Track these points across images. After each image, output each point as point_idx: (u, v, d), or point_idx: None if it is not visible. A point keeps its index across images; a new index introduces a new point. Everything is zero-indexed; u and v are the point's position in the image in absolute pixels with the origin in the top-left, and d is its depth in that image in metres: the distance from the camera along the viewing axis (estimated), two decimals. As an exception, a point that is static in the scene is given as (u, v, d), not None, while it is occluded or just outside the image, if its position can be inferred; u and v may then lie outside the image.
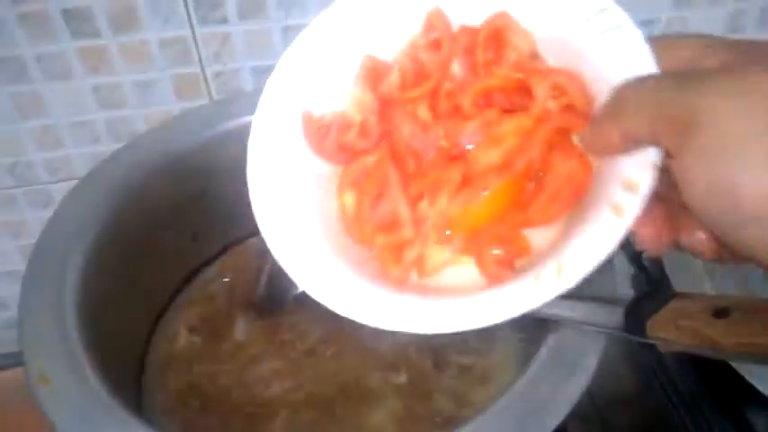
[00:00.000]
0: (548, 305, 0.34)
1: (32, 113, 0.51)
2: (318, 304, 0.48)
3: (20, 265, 0.59)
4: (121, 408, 0.31)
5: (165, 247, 0.46)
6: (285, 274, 0.48)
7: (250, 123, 0.46)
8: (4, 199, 0.55)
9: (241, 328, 0.47)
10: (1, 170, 0.53)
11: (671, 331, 0.30)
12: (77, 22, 0.47)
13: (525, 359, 0.35)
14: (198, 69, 0.52)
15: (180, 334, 0.46)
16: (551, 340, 0.34)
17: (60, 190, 0.55)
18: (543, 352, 0.34)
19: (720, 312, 0.29)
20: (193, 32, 0.50)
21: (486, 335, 0.45)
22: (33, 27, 0.47)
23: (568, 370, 0.33)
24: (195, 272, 0.50)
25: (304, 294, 0.47)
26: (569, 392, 0.32)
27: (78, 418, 0.31)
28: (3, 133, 0.52)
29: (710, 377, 0.51)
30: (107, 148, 0.53)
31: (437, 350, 0.45)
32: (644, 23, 0.59)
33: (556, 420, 0.31)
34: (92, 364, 0.33)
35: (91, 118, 0.52)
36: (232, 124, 0.46)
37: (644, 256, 0.58)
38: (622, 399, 0.52)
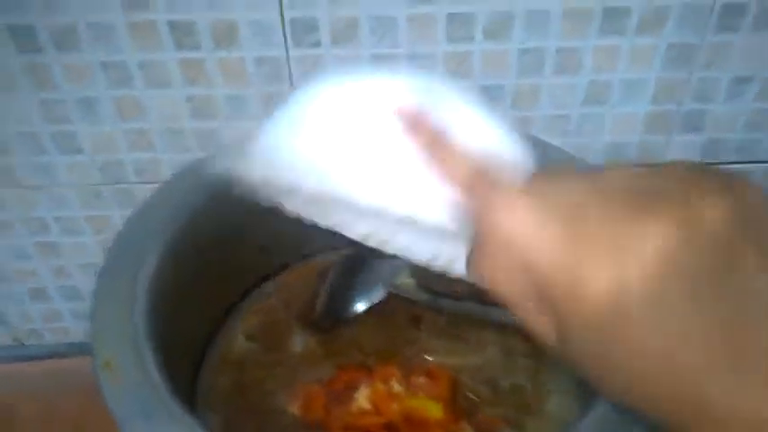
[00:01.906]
0: None
1: (130, 116, 0.54)
2: (375, 321, 0.49)
3: (98, 258, 0.61)
4: (175, 400, 0.32)
5: (234, 256, 0.48)
6: (344, 293, 0.50)
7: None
8: (91, 194, 0.58)
9: (297, 340, 0.47)
10: (93, 167, 0.57)
11: None
12: (181, 33, 0.50)
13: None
14: (287, 88, 0.54)
15: (237, 339, 0.47)
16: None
17: (144, 191, 0.57)
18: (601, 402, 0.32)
19: None
20: (287, 53, 0.52)
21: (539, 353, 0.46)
22: (140, 35, 0.50)
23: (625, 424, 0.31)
24: (259, 283, 0.51)
25: (362, 313, 0.48)
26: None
27: (135, 404, 0.31)
28: (101, 133, 0.55)
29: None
30: (193, 156, 0.55)
31: (491, 379, 0.45)
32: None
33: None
34: (154, 357, 0.34)
35: (183, 126, 0.55)
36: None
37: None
38: None
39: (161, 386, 0.32)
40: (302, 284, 0.51)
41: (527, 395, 0.45)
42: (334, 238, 0.54)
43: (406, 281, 0.49)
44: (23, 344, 0.69)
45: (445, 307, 0.48)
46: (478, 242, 0.25)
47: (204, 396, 0.44)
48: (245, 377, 0.45)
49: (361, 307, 0.48)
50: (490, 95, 0.56)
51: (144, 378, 0.32)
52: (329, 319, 0.48)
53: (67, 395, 0.60)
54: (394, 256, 0.52)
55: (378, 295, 0.49)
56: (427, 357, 0.47)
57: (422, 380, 0.45)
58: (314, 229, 0.52)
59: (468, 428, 0.43)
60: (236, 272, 0.49)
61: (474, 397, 0.45)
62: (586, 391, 0.42)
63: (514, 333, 0.48)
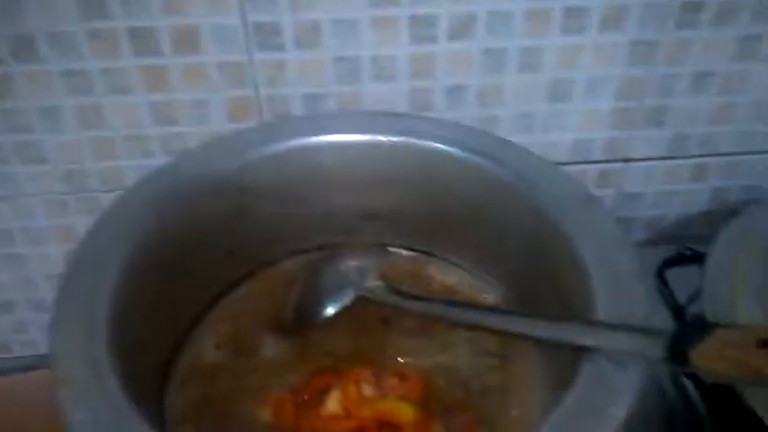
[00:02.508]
0: (584, 335, 0.34)
1: (93, 124, 0.53)
2: (346, 324, 0.49)
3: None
4: (137, 416, 0.31)
5: (200, 263, 0.47)
6: (313, 297, 0.49)
7: (294, 147, 0.48)
8: (56, 204, 0.57)
9: (267, 347, 0.47)
10: (56, 176, 0.56)
11: (715, 361, 0.30)
12: (140, 40, 0.50)
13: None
14: (252, 93, 0.53)
15: (206, 348, 0.47)
16: (583, 379, 0.33)
17: (109, 199, 0.56)
18: (572, 394, 0.33)
19: (765, 343, 0.30)
20: (250, 58, 0.52)
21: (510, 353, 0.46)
22: (100, 43, 0.50)
23: (598, 416, 0.31)
24: (227, 289, 0.50)
25: (332, 317, 0.48)
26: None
27: (94, 422, 0.31)
28: (64, 142, 0.54)
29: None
30: (158, 162, 0.54)
31: (464, 379, 0.45)
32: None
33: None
34: (115, 370, 0.34)
35: (146, 133, 0.54)
36: (276, 147, 0.47)
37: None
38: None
39: (121, 402, 0.32)
40: (270, 291, 0.51)
41: (498, 395, 0.45)
42: (302, 242, 0.54)
43: (375, 284, 0.49)
44: (-8, 357, 0.68)
45: (414, 309, 0.48)
46: None
47: (173, 408, 0.43)
48: (215, 387, 0.45)
49: (330, 310, 0.48)
50: (455, 96, 0.56)
51: (103, 394, 0.32)
52: (299, 324, 0.48)
53: (37, 408, 0.59)
54: (361, 260, 0.52)
55: (347, 299, 0.49)
56: (398, 359, 0.47)
57: (393, 381, 0.45)
58: (281, 233, 0.52)
59: (440, 430, 0.43)
60: (202, 279, 0.48)
61: (447, 398, 0.45)
62: (556, 389, 0.43)
63: (485, 333, 0.49)
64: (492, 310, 0.50)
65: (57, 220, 0.58)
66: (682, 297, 0.61)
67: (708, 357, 0.30)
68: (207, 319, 0.49)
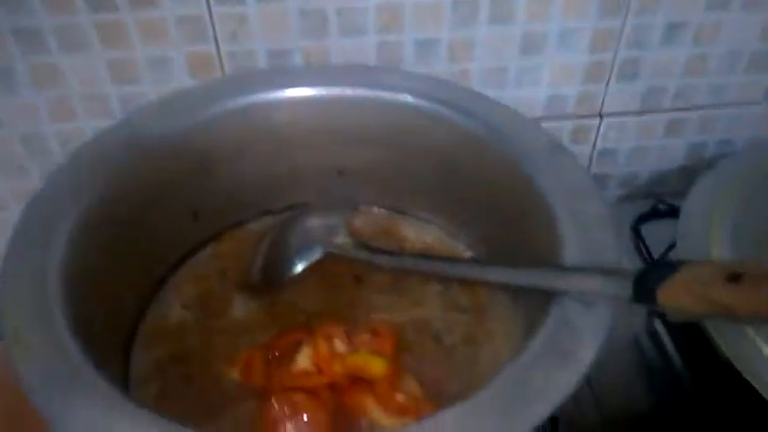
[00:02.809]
0: (552, 279, 0.33)
1: (48, 84, 0.51)
2: (317, 282, 0.48)
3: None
4: (92, 370, 0.30)
5: (164, 224, 0.46)
6: (281, 255, 0.48)
7: (255, 102, 0.47)
8: (15, 169, 0.55)
9: (236, 307, 0.46)
10: (14, 141, 0.54)
11: (683, 298, 0.30)
12: (96, -6, 0.48)
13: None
14: (213, 48, 0.51)
15: (173, 309, 0.46)
16: (550, 322, 0.32)
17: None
18: (540, 336, 0.32)
19: (734, 277, 0.29)
20: (210, 11, 0.50)
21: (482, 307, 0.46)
22: (53, -2, 0.47)
23: (564, 358, 0.31)
24: (193, 251, 0.49)
25: (302, 274, 0.47)
26: (563, 383, 0.30)
27: (47, 377, 0.30)
28: (19, 103, 0.52)
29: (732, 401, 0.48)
30: (119, 123, 0.53)
31: (436, 333, 0.45)
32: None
33: (546, 409, 0.29)
34: (67, 326, 0.32)
35: (105, 92, 0.52)
36: (237, 101, 0.46)
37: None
38: (621, 385, 0.49)
39: (75, 355, 0.31)
40: (238, 251, 0.49)
41: (469, 348, 0.45)
42: (269, 203, 0.53)
43: (343, 240, 0.48)
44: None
45: (384, 264, 0.47)
46: None
47: (138, 368, 0.42)
48: (183, 346, 0.44)
49: (299, 268, 0.47)
50: (425, 50, 0.55)
51: (55, 348, 0.31)
52: (267, 283, 0.47)
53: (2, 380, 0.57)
54: (330, 217, 0.51)
55: (315, 255, 0.48)
56: (371, 316, 0.46)
57: (365, 337, 0.44)
58: (247, 193, 0.51)
59: (413, 383, 0.42)
60: (167, 240, 0.47)
61: (418, 351, 0.44)
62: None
63: (457, 287, 0.48)
64: (462, 261, 0.49)
65: (16, 185, 0.56)
66: (657, 252, 0.61)
67: (676, 295, 0.30)
68: (173, 281, 0.47)
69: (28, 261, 0.35)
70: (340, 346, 0.44)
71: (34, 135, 0.54)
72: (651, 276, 0.31)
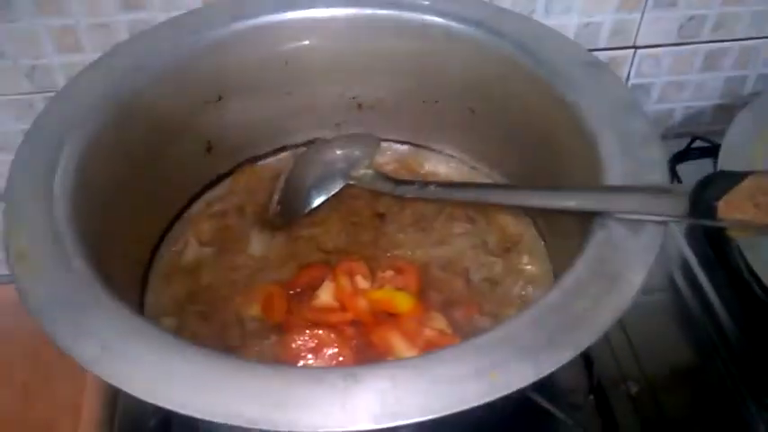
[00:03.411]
0: (596, 199, 0.30)
1: (51, 11, 0.48)
2: (338, 219, 0.45)
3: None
4: (103, 288, 0.28)
5: (176, 155, 0.43)
6: (300, 188, 0.46)
7: (267, 24, 0.43)
8: (23, 105, 0.53)
9: (255, 243, 0.44)
10: (19, 74, 0.51)
11: (748, 210, 0.27)
12: None
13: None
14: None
15: (189, 245, 0.44)
16: (595, 244, 0.30)
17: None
18: (585, 260, 0.29)
19: None
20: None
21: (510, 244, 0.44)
22: None
23: (611, 283, 0.28)
24: (208, 187, 0.47)
25: (316, 209, 0.45)
26: (608, 310, 0.28)
27: (53, 294, 0.28)
28: (22, 30, 0.49)
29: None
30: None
31: (463, 271, 0.43)
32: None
33: (588, 340, 0.27)
34: (76, 247, 0.30)
35: (112, 20, 0.49)
36: (244, 24, 0.43)
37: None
38: (667, 353, 0.47)
39: (84, 273, 0.29)
40: (254, 187, 0.47)
41: (501, 287, 0.43)
42: (286, 137, 0.50)
43: (365, 172, 0.46)
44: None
45: (407, 194, 0.44)
46: None
47: (155, 304, 0.40)
48: (200, 283, 0.42)
49: (317, 200, 0.45)
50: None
51: (64, 266, 0.29)
52: (285, 217, 0.45)
53: (19, 323, 0.56)
54: (351, 149, 0.48)
55: (334, 188, 0.45)
56: (394, 253, 0.44)
57: (389, 274, 0.42)
58: (262, 126, 0.48)
59: (440, 319, 0.40)
60: (180, 173, 0.44)
61: (446, 289, 0.42)
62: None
63: (484, 224, 0.46)
64: (495, 186, 0.46)
65: (24, 123, 0.54)
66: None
67: (738, 206, 0.27)
68: (188, 216, 0.45)
69: (33, 186, 0.33)
70: (362, 282, 0.42)
71: (40, 68, 0.51)
72: (712, 188, 0.28)
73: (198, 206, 0.46)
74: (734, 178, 0.28)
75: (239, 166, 0.48)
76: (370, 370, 0.25)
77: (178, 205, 0.45)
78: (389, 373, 0.25)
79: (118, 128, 0.38)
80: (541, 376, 0.25)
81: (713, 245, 0.52)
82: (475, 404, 0.24)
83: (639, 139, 0.35)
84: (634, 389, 0.44)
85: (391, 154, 0.51)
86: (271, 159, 0.49)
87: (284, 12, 0.43)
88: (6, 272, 0.56)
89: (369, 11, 0.44)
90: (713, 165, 0.58)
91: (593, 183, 0.35)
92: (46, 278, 0.28)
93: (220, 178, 0.47)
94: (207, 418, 0.23)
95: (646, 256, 0.29)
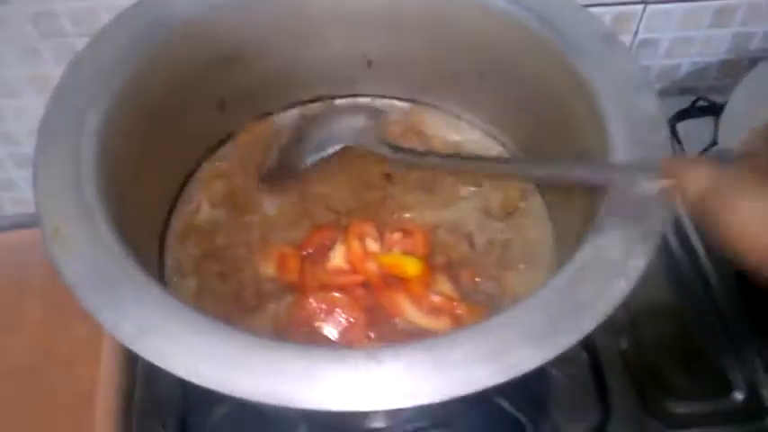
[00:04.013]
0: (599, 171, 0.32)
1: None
2: (346, 179, 0.46)
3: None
4: (135, 265, 0.30)
5: (191, 114, 0.44)
6: (297, 148, 0.47)
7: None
8: (27, 51, 0.52)
9: (265, 204, 0.45)
10: (23, 20, 0.50)
11: None
12: None
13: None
14: None
15: (202, 207, 0.45)
16: (598, 231, 0.32)
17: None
18: (587, 247, 0.31)
19: None
20: None
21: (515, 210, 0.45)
22: None
23: (614, 270, 0.30)
24: (216, 147, 0.47)
25: (313, 165, 0.46)
26: (610, 296, 0.30)
27: (90, 272, 0.29)
28: (25, -23, 0.48)
29: (755, 304, 0.49)
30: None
31: (468, 234, 0.44)
32: None
33: (590, 325, 0.29)
34: (107, 221, 0.32)
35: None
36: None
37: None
38: (658, 311, 0.50)
39: (115, 247, 0.30)
40: (260, 144, 0.48)
41: (504, 250, 0.45)
42: (297, 93, 0.50)
43: (366, 135, 0.46)
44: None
45: (405, 162, 0.45)
46: None
47: (174, 264, 0.42)
48: (215, 244, 0.43)
49: (311, 160, 0.45)
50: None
51: (97, 243, 0.30)
52: (281, 174, 0.46)
53: (35, 266, 0.58)
54: (354, 116, 0.49)
55: (331, 149, 0.46)
56: (402, 215, 0.46)
57: (396, 236, 0.44)
58: (274, 82, 0.48)
59: (445, 282, 0.42)
60: (195, 133, 0.45)
61: (452, 253, 0.44)
62: (564, 247, 0.42)
63: (489, 188, 0.47)
64: (492, 159, 0.47)
65: (30, 70, 0.54)
66: (693, 150, 0.59)
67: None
68: (200, 176, 0.46)
69: (59, 153, 0.34)
70: (372, 245, 0.43)
71: (45, 13, 0.50)
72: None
73: (207, 166, 0.47)
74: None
75: (247, 123, 0.49)
76: (391, 351, 0.27)
77: (192, 165, 0.46)
78: (408, 355, 0.27)
79: (140, 87, 0.38)
80: (547, 360, 0.27)
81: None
82: (488, 385, 0.26)
83: (647, 120, 0.36)
84: (624, 345, 0.47)
85: (398, 113, 0.51)
86: (281, 116, 0.49)
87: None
88: (11, 213, 0.57)
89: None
90: (714, 124, 0.59)
91: (599, 155, 0.36)
92: (80, 255, 0.30)
93: (234, 134, 0.48)
94: (244, 396, 0.25)
95: (648, 243, 0.31)
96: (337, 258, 0.42)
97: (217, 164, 0.47)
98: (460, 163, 0.46)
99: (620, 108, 0.37)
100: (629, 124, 0.36)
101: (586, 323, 0.29)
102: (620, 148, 0.36)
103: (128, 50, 0.38)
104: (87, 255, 0.30)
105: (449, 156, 0.47)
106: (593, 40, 0.40)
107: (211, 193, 0.45)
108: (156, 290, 0.29)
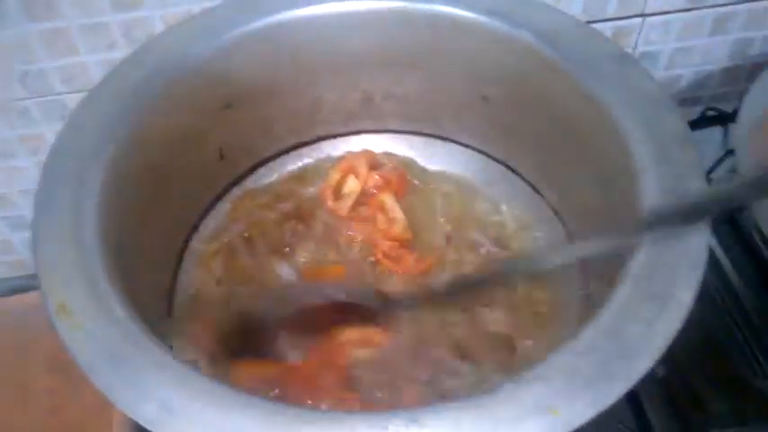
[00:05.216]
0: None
1: (42, 15, 0.46)
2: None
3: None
4: (152, 342, 0.28)
5: (191, 165, 0.42)
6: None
7: (272, 23, 0.41)
8: (19, 111, 0.51)
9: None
10: (11, 79, 0.49)
11: None
12: None
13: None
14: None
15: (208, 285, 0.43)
16: (640, 261, 0.30)
17: (75, 101, 0.50)
18: (630, 279, 0.29)
19: None
20: None
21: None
22: None
23: (661, 304, 0.28)
24: (224, 192, 0.46)
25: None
26: (662, 334, 0.28)
27: (100, 349, 0.27)
28: (11, 37, 0.47)
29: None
30: (123, 54, 0.48)
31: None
32: None
33: (645, 367, 0.27)
34: (115, 292, 0.30)
35: (104, 20, 0.47)
36: (252, 25, 0.40)
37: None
38: (690, 333, 0.48)
39: (127, 323, 0.28)
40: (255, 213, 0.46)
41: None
42: (298, 135, 0.49)
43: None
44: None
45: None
46: None
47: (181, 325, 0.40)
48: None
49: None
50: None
51: (106, 318, 0.28)
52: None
53: (38, 330, 0.56)
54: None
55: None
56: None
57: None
58: (275, 125, 0.47)
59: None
60: (195, 182, 0.43)
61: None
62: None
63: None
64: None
65: (22, 130, 0.52)
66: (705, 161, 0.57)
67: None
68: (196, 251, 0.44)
69: (59, 219, 0.32)
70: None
71: (33, 72, 0.49)
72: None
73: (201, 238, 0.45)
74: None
75: (254, 167, 0.47)
76: (433, 413, 0.25)
77: (197, 215, 0.44)
78: (452, 415, 0.25)
79: (134, 142, 0.36)
80: (600, 411, 0.25)
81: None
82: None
83: (673, 141, 0.34)
84: (661, 372, 0.44)
85: (400, 146, 0.50)
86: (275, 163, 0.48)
87: (289, 10, 0.41)
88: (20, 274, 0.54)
89: (379, 4, 0.42)
90: (723, 133, 0.58)
91: (625, 188, 0.35)
92: (90, 332, 0.28)
93: (237, 181, 0.46)
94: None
95: (693, 274, 0.29)
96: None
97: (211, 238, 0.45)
98: (459, 289, 0.42)
99: (642, 128, 0.35)
100: (654, 145, 0.35)
101: (640, 365, 0.27)
102: (648, 171, 0.34)
103: (124, 105, 0.36)
104: (98, 334, 0.28)
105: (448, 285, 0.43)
106: (605, 59, 0.39)
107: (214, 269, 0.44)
108: (175, 366, 0.27)
